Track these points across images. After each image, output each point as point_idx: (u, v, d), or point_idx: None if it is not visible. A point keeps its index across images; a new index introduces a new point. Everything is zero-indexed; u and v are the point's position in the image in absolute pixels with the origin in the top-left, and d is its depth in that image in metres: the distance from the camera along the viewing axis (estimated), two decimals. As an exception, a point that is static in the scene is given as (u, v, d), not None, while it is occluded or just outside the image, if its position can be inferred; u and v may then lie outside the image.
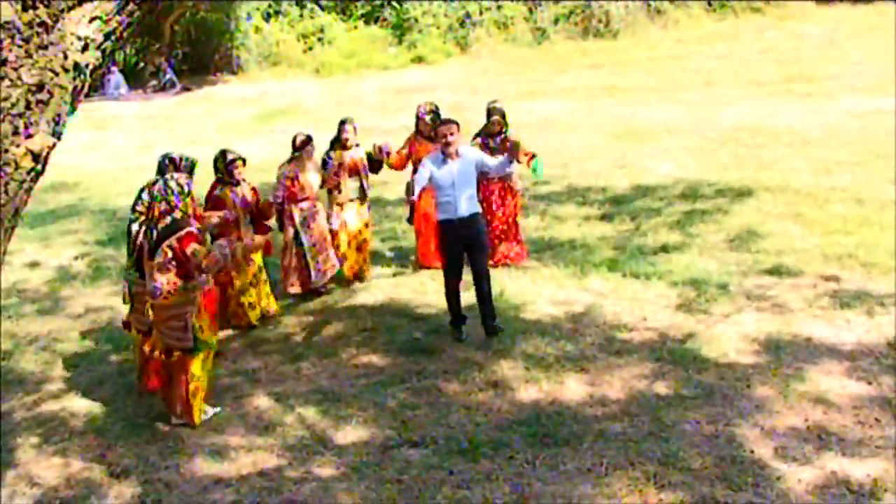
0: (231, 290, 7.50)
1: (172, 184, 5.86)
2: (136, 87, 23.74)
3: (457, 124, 7.02)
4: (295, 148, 7.95)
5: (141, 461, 5.62)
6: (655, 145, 13.46)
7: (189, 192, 5.94)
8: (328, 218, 8.28)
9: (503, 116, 8.37)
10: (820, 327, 6.82)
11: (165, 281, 5.71)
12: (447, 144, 6.89)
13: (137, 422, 6.14)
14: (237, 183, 7.42)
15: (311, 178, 8.02)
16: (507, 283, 8.05)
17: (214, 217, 7.08)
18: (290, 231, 7.98)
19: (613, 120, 15.66)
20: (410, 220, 8.80)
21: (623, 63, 21.85)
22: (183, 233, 5.72)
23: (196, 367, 6.00)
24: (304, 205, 7.97)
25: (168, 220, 5.77)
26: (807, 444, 5.28)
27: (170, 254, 5.69)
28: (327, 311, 7.93)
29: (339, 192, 8.24)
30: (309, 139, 7.95)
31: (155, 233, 5.79)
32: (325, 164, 8.21)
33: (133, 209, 6.43)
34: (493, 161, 7.18)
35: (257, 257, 7.63)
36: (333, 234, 8.24)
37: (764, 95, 16.82)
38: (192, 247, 5.68)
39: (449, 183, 6.87)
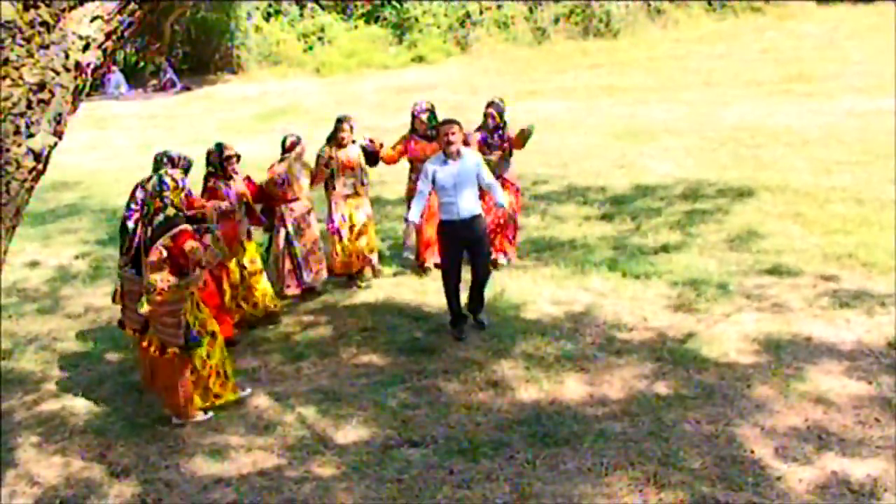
0: (225, 286, 7.49)
1: (167, 179, 5.87)
2: (137, 87, 23.73)
3: (458, 124, 7.02)
4: (285, 149, 7.94)
5: (141, 460, 5.62)
6: (655, 145, 13.46)
7: (183, 188, 5.96)
8: (328, 216, 8.28)
9: (500, 113, 8.37)
10: (820, 327, 6.83)
11: (160, 279, 5.72)
12: (449, 143, 6.88)
13: (137, 421, 6.15)
14: (230, 177, 7.41)
15: (302, 179, 8.01)
16: (508, 283, 8.05)
17: (211, 204, 7.09)
18: (283, 234, 7.97)
19: (613, 120, 15.66)
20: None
21: (623, 63, 21.85)
22: (177, 230, 5.73)
23: (197, 362, 6.01)
24: (296, 206, 7.96)
25: (161, 217, 5.77)
26: (807, 443, 5.29)
27: (164, 253, 5.71)
28: (327, 311, 7.93)
29: (334, 188, 8.23)
30: (298, 140, 7.95)
31: (150, 230, 5.80)
32: (319, 159, 8.22)
33: (128, 206, 6.43)
34: (490, 180, 7.16)
35: (251, 248, 7.62)
36: (334, 231, 8.23)
37: (764, 95, 16.82)
38: (189, 244, 5.69)
39: (451, 184, 6.87)
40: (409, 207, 8.51)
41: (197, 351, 6.00)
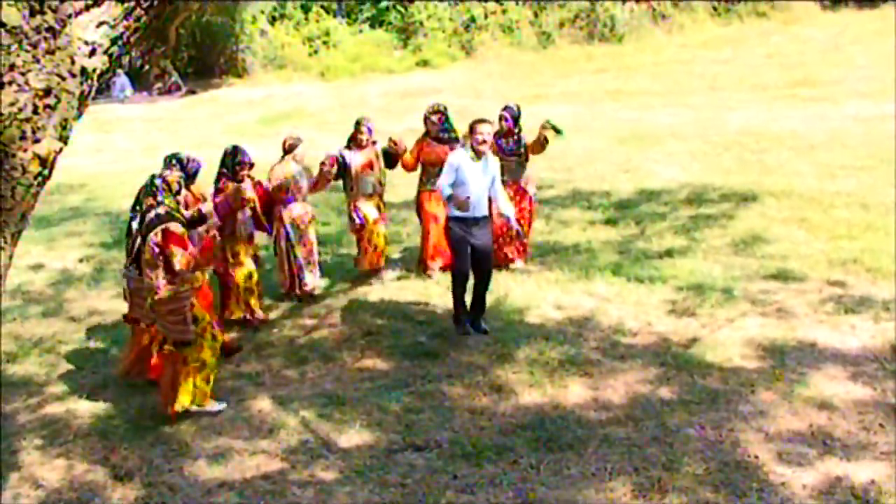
0: (233, 283, 7.52)
1: (158, 181, 5.97)
2: (142, 90, 23.77)
3: (492, 124, 7.22)
4: (284, 150, 7.97)
5: (144, 463, 5.62)
6: (660, 149, 13.45)
7: (178, 191, 5.99)
8: (349, 216, 8.37)
9: (515, 117, 8.36)
10: (824, 332, 6.82)
11: (155, 276, 5.76)
12: (482, 142, 6.97)
13: (141, 424, 6.15)
14: (241, 181, 7.44)
15: (301, 181, 8.03)
16: (512, 287, 8.05)
17: (220, 197, 7.15)
18: (283, 234, 7.98)
19: (618, 124, 15.66)
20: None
21: (628, 67, 21.85)
22: (162, 228, 5.76)
23: (192, 356, 5.97)
24: (294, 207, 7.96)
25: (152, 214, 5.83)
26: (810, 448, 5.28)
27: (157, 250, 5.75)
28: (330, 315, 7.93)
29: (353, 189, 8.31)
30: (298, 141, 7.98)
31: (142, 227, 5.87)
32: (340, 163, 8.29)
33: (133, 209, 6.48)
34: (499, 191, 7.24)
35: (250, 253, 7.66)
36: (360, 228, 8.31)
37: (768, 100, 16.82)
38: (170, 249, 5.73)
39: (472, 181, 6.94)
40: (418, 214, 8.59)
41: (193, 348, 5.99)
